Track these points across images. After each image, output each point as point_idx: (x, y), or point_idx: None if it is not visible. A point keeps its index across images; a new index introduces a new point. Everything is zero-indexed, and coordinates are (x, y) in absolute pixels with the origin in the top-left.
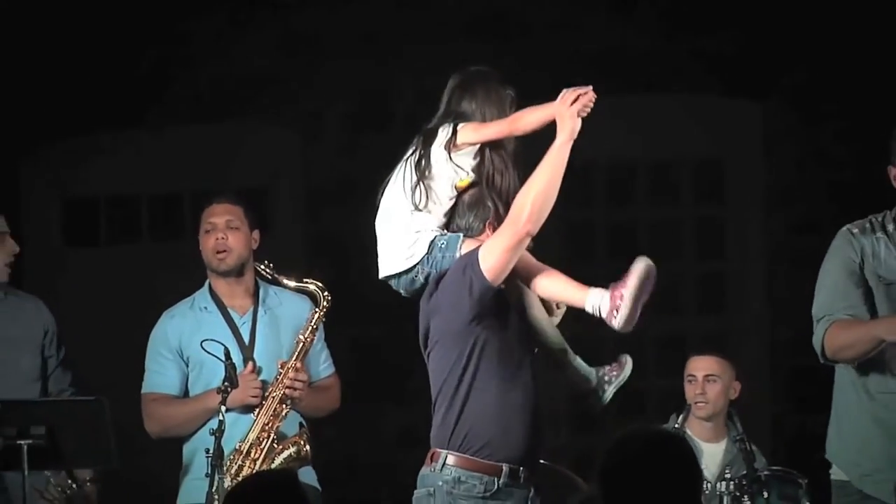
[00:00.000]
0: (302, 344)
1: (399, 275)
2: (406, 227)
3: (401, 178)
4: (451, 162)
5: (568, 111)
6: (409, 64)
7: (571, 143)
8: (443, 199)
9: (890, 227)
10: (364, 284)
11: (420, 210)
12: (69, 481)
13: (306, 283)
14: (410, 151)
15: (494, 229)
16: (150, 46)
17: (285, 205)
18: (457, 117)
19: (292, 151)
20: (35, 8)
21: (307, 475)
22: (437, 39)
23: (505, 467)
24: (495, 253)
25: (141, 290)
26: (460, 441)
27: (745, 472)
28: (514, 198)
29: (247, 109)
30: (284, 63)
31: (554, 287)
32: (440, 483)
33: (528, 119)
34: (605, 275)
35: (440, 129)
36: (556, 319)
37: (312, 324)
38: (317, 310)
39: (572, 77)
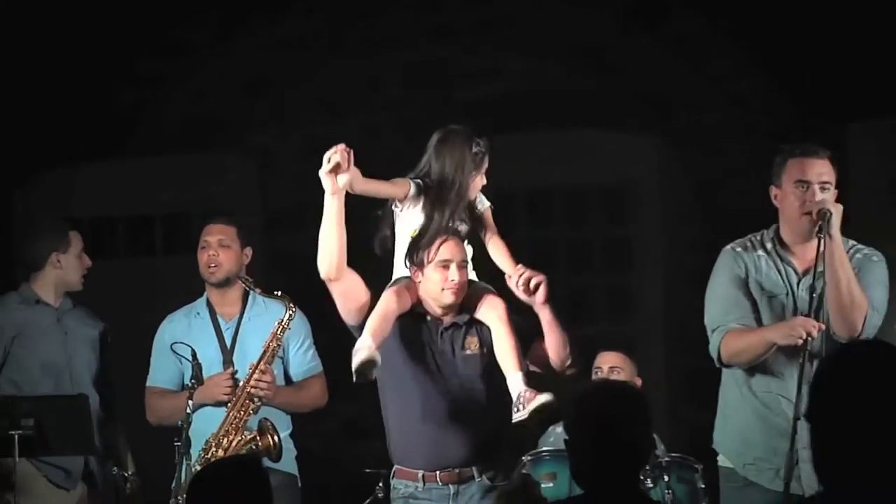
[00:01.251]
0: (266, 348)
1: None
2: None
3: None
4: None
5: (321, 171)
6: (353, 107)
7: (333, 196)
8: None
9: (769, 245)
10: (311, 296)
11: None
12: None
13: (276, 294)
14: None
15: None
16: (125, 88)
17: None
18: (422, 175)
19: (251, 179)
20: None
21: (288, 465)
22: (374, 86)
23: (419, 473)
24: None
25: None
26: (392, 453)
27: None
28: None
29: (212, 142)
30: (245, 102)
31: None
32: (391, 491)
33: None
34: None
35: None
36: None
37: (277, 332)
38: (283, 319)
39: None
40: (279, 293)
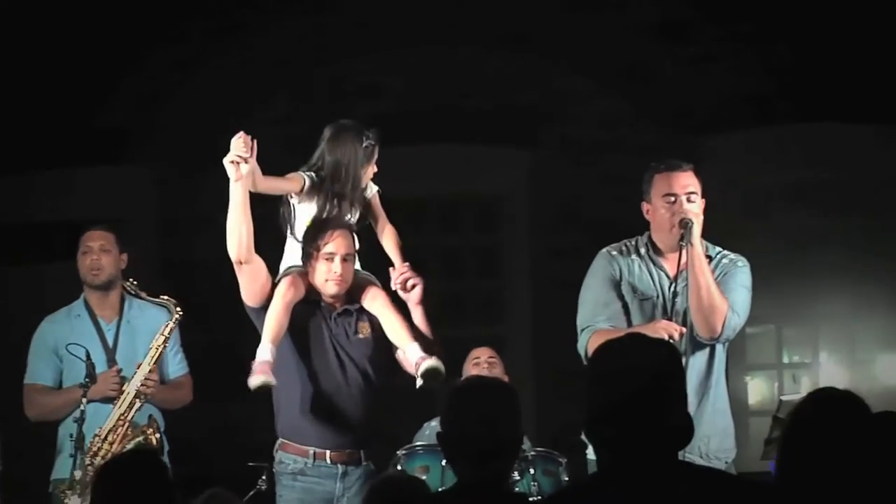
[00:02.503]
0: (156, 349)
1: None
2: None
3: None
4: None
5: (225, 160)
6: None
7: (237, 183)
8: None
9: (643, 250)
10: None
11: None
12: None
13: (162, 298)
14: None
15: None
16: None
17: (146, 232)
18: (314, 168)
19: (147, 189)
20: None
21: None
22: (263, 100)
23: (310, 450)
24: (239, 280)
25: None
26: (280, 430)
27: None
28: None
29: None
30: (141, 117)
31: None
32: (274, 466)
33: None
34: None
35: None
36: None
37: (165, 333)
38: (170, 321)
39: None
40: (166, 297)
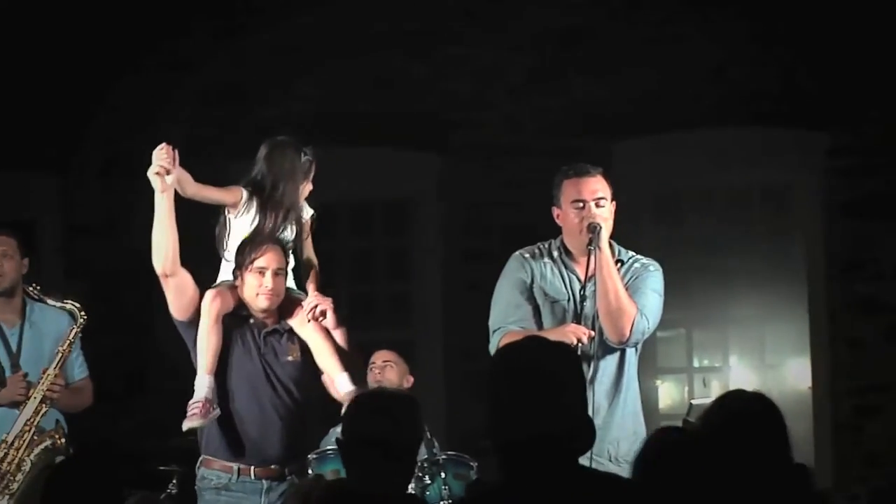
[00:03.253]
0: (61, 354)
1: None
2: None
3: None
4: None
5: (150, 171)
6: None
7: (163, 195)
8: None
9: (555, 254)
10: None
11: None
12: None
13: (66, 302)
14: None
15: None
16: None
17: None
18: (254, 182)
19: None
20: None
21: None
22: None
23: (235, 466)
24: (166, 293)
25: None
26: (205, 445)
27: (426, 455)
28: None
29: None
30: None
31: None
32: (196, 481)
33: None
34: None
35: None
36: None
37: (70, 337)
38: (74, 326)
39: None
40: (70, 303)
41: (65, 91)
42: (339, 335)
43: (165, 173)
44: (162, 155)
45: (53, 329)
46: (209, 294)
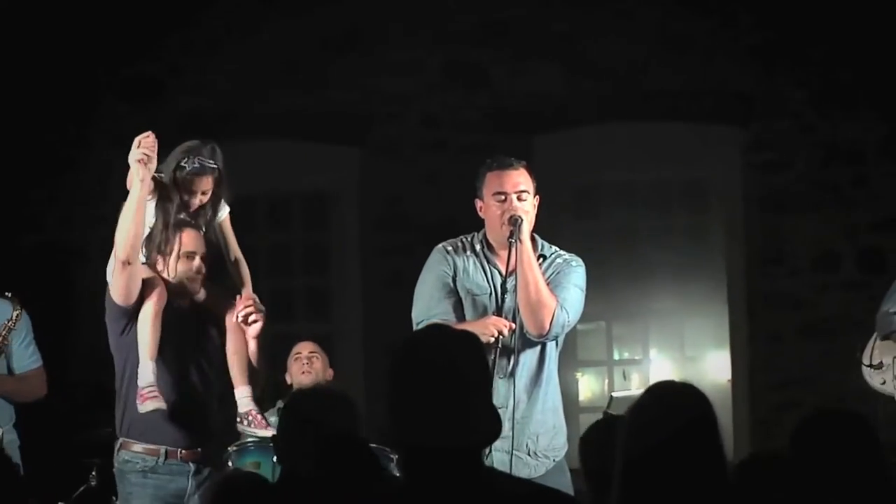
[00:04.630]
0: None
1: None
2: None
3: None
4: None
5: (132, 157)
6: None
7: (143, 181)
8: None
9: (477, 247)
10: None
11: None
12: None
13: (6, 294)
14: None
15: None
16: None
17: None
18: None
19: None
20: None
21: (13, 455)
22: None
23: (162, 449)
24: (113, 280)
25: None
26: (127, 429)
27: None
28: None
29: None
30: None
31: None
32: (116, 464)
33: (129, 178)
34: None
35: None
36: None
37: (2, 331)
38: (10, 318)
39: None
40: (9, 294)
41: None
42: (253, 345)
43: (149, 160)
44: (148, 143)
45: (3, 318)
46: (154, 288)
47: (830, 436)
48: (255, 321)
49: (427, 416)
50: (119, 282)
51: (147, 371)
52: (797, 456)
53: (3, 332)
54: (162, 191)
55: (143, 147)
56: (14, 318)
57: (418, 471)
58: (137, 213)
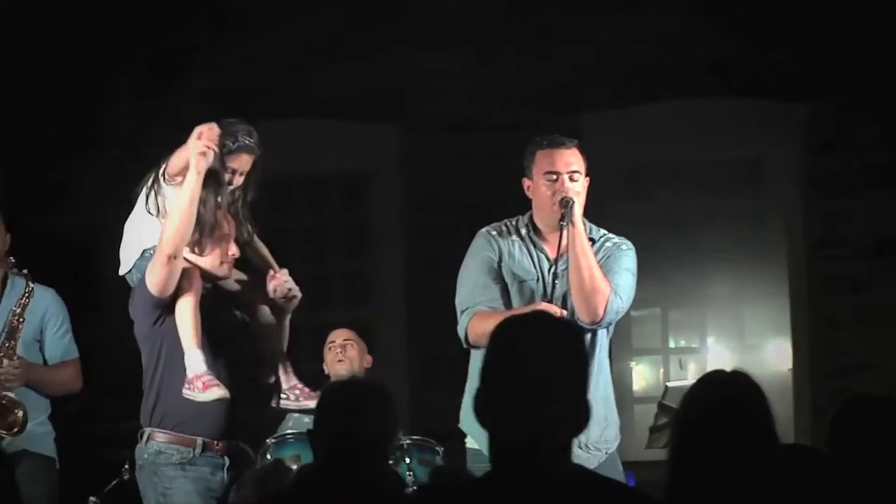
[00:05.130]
0: (13, 326)
1: (126, 274)
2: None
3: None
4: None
5: (194, 148)
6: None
7: (200, 174)
8: None
9: (523, 231)
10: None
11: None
12: None
13: (22, 272)
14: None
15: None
16: None
17: None
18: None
19: None
20: None
21: (46, 447)
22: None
23: (199, 440)
24: (153, 272)
25: None
26: (159, 420)
27: None
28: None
29: None
30: None
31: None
32: (146, 456)
33: (175, 163)
34: None
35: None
36: None
37: (16, 308)
38: (21, 295)
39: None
40: (25, 271)
41: None
42: (285, 328)
43: (211, 152)
44: (212, 136)
45: (40, 306)
46: (188, 273)
47: (869, 421)
48: (293, 295)
49: (532, 422)
50: (160, 274)
51: (197, 359)
52: (834, 441)
53: (18, 310)
54: (211, 173)
55: (206, 139)
56: (26, 293)
57: (510, 470)
58: (191, 206)
